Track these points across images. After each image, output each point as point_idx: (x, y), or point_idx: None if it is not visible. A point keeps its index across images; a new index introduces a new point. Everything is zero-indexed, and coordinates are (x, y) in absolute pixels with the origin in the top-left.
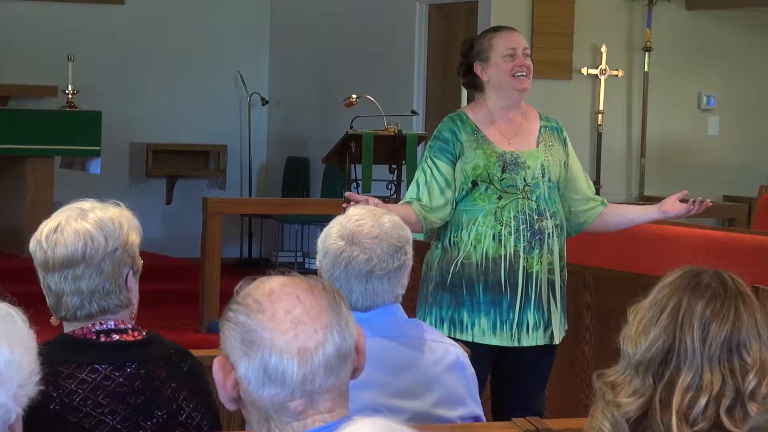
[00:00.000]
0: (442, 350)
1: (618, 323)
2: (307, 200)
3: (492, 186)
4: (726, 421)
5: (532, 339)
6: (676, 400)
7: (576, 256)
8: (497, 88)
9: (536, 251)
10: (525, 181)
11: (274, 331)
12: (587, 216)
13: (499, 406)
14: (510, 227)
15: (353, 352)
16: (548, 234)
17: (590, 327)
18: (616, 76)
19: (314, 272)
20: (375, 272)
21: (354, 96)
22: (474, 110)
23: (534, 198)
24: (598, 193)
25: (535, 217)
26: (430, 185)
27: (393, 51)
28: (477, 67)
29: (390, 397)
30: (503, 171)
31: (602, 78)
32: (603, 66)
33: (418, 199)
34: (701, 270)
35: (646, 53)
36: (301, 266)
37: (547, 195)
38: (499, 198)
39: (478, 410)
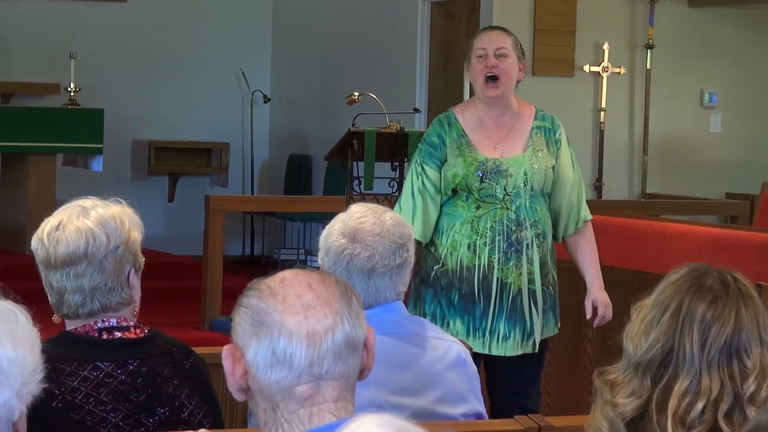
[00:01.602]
0: (444, 347)
1: (621, 320)
2: (310, 198)
3: (471, 195)
4: (724, 426)
5: (501, 349)
6: (672, 404)
7: None
8: (476, 91)
9: (512, 262)
10: (505, 190)
11: (284, 313)
12: (558, 234)
13: (494, 405)
14: (486, 237)
15: (362, 347)
16: (527, 245)
17: (592, 324)
18: (619, 73)
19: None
20: (377, 269)
21: (356, 93)
22: (464, 111)
23: (513, 208)
24: (600, 190)
25: (513, 228)
26: (426, 211)
27: (395, 48)
28: (466, 68)
29: (392, 395)
30: (482, 181)
31: (604, 75)
32: (605, 63)
33: (415, 226)
34: (705, 270)
35: (649, 50)
36: (303, 264)
37: (528, 204)
38: (477, 207)
39: (480, 407)
